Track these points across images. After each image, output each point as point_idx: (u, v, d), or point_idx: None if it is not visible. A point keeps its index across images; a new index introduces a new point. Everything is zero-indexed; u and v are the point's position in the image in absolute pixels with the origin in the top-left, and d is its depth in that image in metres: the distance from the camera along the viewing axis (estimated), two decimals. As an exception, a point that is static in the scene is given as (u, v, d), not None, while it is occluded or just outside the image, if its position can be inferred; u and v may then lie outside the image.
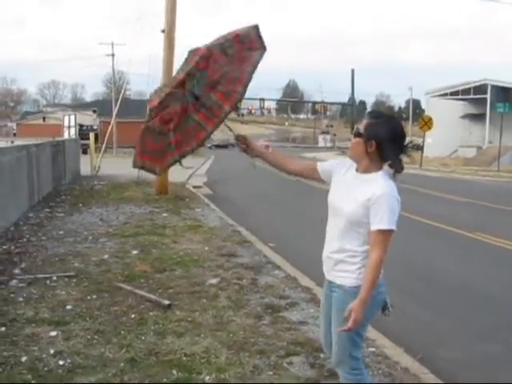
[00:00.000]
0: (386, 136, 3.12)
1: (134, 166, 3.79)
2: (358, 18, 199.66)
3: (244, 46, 3.58)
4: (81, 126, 46.79)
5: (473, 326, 6.17)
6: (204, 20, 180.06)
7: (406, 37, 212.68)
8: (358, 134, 3.18)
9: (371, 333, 5.44)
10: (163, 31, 16.16)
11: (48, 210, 12.95)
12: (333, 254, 3.28)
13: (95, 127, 53.12)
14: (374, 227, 3.07)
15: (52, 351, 4.72)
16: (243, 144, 3.54)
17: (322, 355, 4.80)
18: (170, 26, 16.12)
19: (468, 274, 8.43)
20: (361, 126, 3.19)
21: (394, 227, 3.06)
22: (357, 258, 3.19)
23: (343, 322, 3.12)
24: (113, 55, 55.33)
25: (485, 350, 5.43)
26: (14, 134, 70.76)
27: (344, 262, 3.23)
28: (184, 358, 4.63)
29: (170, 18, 16.10)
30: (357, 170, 3.26)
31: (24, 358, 4.57)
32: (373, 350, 5.02)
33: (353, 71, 72.01)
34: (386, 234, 3.05)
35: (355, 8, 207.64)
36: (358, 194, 3.13)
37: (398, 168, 3.16)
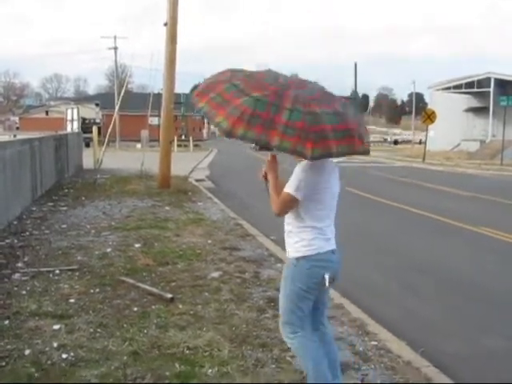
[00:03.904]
0: None
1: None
2: (363, 11, 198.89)
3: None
4: (83, 119, 46.76)
5: (476, 319, 6.17)
6: (207, 13, 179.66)
7: (411, 30, 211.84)
8: None
9: (373, 326, 5.46)
10: (165, 24, 16.11)
11: (51, 203, 12.97)
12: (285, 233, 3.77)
13: (98, 120, 53.09)
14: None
15: (55, 344, 4.73)
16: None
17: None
18: (173, 19, 16.07)
19: (471, 268, 8.42)
20: None
21: (290, 191, 3.48)
22: (294, 232, 3.65)
23: (282, 283, 3.75)
24: (115, 49, 55.33)
25: (487, 343, 5.44)
26: (17, 128, 70.86)
27: (288, 237, 3.72)
28: (187, 351, 4.65)
29: (172, 12, 16.04)
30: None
31: (27, 352, 4.58)
32: (375, 343, 5.03)
33: (355, 65, 71.75)
34: (284, 194, 3.53)
35: (360, 2, 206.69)
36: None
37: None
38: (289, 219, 3.67)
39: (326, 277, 3.60)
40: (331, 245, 3.67)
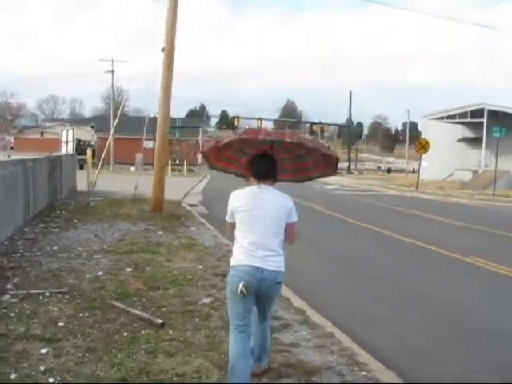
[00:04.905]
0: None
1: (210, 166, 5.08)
2: (359, 40, 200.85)
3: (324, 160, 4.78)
4: (78, 141, 46.80)
5: (468, 350, 6.15)
6: (205, 39, 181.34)
7: (406, 60, 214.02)
8: None
9: (363, 356, 5.43)
10: (163, 50, 16.26)
11: (43, 225, 12.92)
12: None
13: (93, 143, 53.18)
14: None
15: (42, 368, 4.68)
16: None
17: (314, 378, 4.78)
18: (170, 45, 16.24)
19: (462, 298, 8.41)
20: None
21: (226, 218, 4.50)
22: None
23: None
24: (112, 72, 55.57)
25: (478, 378, 5.42)
26: (12, 148, 70.89)
27: None
28: (175, 378, 4.61)
29: (169, 38, 16.22)
30: None
31: (13, 376, 4.53)
32: (365, 373, 5.00)
33: (350, 93, 72.69)
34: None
35: (357, 31, 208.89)
36: None
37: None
38: None
39: (240, 285, 4.14)
40: (258, 262, 4.21)
